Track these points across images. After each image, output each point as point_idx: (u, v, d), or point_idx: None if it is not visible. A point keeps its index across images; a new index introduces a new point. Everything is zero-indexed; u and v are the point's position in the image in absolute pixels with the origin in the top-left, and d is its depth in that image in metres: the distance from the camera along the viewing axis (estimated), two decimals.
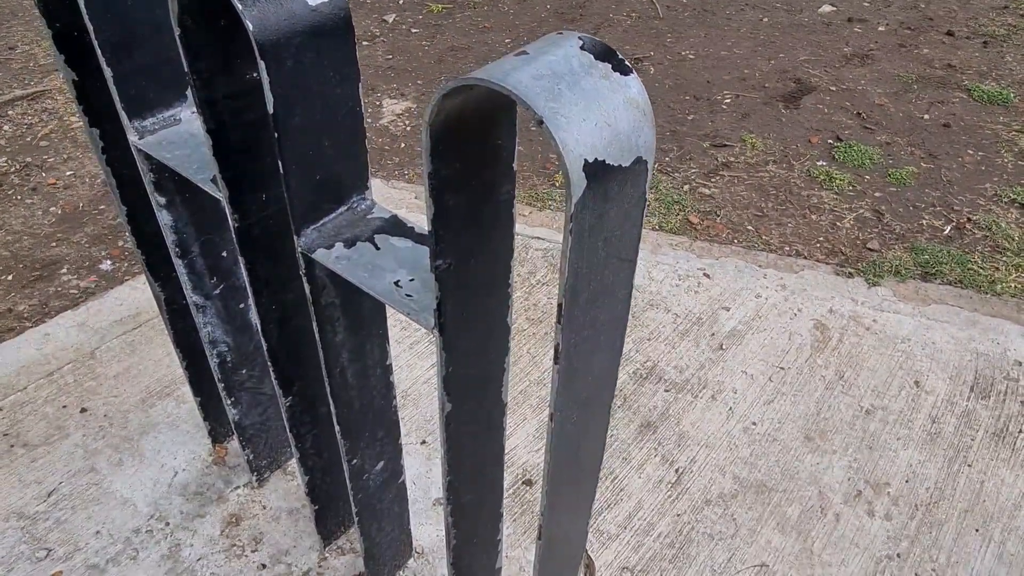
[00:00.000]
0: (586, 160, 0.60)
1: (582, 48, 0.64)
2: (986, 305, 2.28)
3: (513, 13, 4.18)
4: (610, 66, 0.64)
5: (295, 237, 0.96)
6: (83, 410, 1.91)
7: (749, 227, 2.61)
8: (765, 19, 4.13)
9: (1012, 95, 3.36)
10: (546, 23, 4.07)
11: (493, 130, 0.73)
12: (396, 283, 0.91)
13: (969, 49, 3.79)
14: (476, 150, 0.73)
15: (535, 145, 3.06)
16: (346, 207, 1.00)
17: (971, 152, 3.00)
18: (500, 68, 0.61)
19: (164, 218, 1.26)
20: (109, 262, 2.42)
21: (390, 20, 4.08)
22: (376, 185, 2.74)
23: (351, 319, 1.08)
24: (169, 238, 1.30)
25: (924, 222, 2.64)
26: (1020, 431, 1.92)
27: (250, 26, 0.77)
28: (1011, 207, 2.69)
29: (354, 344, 1.12)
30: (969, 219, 2.64)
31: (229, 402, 1.57)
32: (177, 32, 0.88)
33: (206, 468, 1.80)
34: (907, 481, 1.80)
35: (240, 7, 0.76)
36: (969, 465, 1.84)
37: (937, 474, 1.82)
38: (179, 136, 1.17)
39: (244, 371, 1.57)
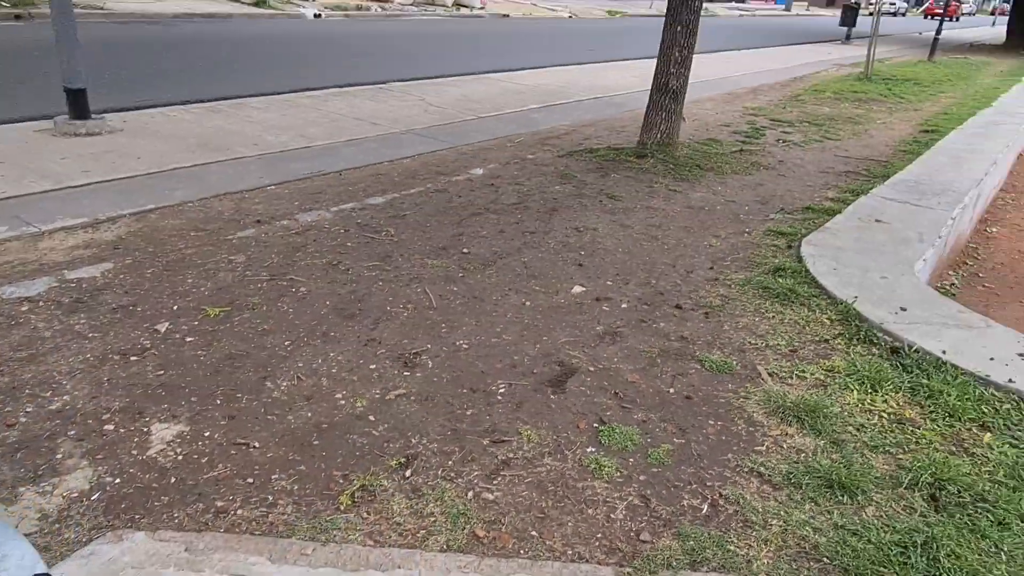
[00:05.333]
0: None
1: None
2: None
3: (293, 312, 4.30)
4: None
5: None
6: None
7: (533, 532, 2.71)
8: (527, 303, 4.61)
9: (734, 363, 3.96)
10: (326, 320, 4.22)
11: None
12: None
13: (695, 320, 4.47)
14: None
15: (316, 461, 3.02)
16: None
17: (712, 423, 3.43)
18: None
19: None
20: None
21: (162, 329, 4.01)
22: (139, 541, 2.50)
23: None
24: None
25: (685, 503, 2.90)
26: None
27: None
28: (751, 477, 3.06)
29: None
30: (720, 494, 2.95)
31: None
32: None
33: None
34: None
35: None
36: None
37: None
38: None
39: None
